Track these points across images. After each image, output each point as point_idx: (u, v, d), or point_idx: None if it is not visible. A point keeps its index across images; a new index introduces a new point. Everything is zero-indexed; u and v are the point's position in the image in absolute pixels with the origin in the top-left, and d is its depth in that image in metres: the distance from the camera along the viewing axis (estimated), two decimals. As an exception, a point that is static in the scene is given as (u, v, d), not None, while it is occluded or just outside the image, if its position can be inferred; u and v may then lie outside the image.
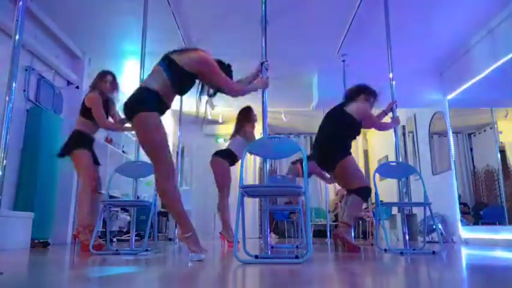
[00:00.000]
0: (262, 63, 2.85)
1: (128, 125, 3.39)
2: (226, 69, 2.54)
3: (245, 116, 4.29)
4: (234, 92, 2.53)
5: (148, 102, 2.26)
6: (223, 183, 4.13)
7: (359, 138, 7.52)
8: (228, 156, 4.19)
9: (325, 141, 3.39)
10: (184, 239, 2.28)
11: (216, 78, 2.43)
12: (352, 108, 3.34)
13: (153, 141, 2.26)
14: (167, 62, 2.33)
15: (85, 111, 3.33)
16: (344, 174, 3.29)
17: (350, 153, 3.32)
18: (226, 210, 4.12)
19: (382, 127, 3.48)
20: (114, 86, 3.51)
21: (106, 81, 3.45)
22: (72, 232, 4.59)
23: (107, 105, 3.43)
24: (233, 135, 4.33)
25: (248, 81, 2.80)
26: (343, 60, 5.02)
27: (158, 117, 2.27)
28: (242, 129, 4.23)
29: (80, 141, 3.25)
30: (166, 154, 2.28)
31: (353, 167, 3.29)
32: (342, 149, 3.29)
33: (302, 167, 5.07)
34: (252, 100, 6.19)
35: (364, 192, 3.22)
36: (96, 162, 3.38)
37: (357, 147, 8.74)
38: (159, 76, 2.32)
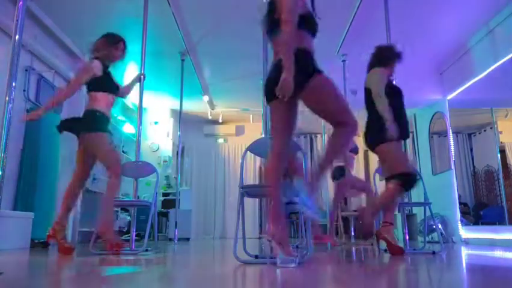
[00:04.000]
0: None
1: None
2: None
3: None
4: (287, 27, 2.01)
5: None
6: None
7: (359, 138, 7.44)
8: None
9: (366, 122, 3.03)
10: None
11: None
12: (368, 82, 3.03)
13: None
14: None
15: (91, 83, 2.98)
16: (385, 159, 2.93)
17: (397, 138, 2.81)
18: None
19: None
20: (124, 54, 3.22)
21: (118, 49, 3.15)
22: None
23: (109, 76, 3.13)
24: None
25: None
26: (343, 60, 5.02)
27: None
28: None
29: (96, 122, 2.84)
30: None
31: (395, 152, 2.85)
32: (377, 128, 2.83)
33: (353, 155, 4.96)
34: (252, 100, 6.22)
35: (405, 178, 2.71)
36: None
37: (357, 147, 8.71)
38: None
